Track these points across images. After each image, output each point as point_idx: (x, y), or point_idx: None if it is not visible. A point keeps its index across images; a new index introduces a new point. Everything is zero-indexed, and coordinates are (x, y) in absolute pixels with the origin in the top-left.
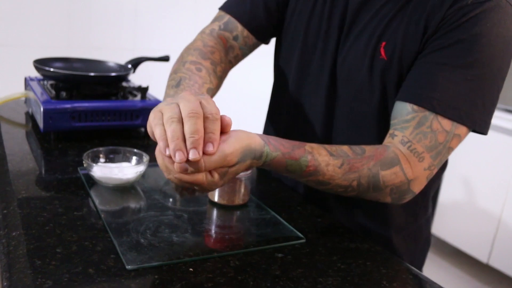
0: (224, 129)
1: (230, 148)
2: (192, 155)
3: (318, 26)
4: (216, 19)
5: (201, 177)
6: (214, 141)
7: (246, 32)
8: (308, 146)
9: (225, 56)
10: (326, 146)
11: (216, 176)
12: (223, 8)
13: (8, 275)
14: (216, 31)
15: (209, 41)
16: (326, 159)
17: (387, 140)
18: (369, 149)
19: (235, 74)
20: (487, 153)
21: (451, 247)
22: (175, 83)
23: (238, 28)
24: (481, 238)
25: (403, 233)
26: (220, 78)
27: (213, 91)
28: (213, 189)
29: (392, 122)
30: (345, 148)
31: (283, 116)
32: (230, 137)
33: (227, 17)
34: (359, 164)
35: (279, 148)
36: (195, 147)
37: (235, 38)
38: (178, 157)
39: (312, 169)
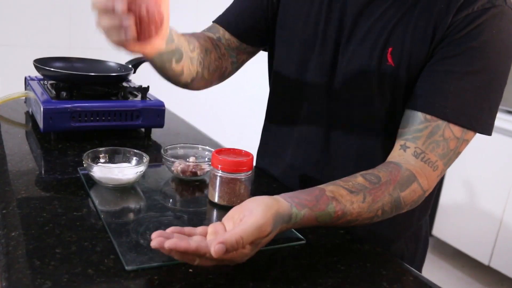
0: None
1: (263, 218)
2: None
3: (314, 32)
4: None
5: (232, 253)
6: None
7: (227, 35)
8: (328, 191)
9: (212, 45)
10: (341, 183)
11: (248, 247)
12: (213, 21)
13: (7, 276)
14: (200, 32)
15: (194, 33)
16: (348, 199)
17: (398, 152)
18: (383, 174)
19: (235, 76)
20: (488, 154)
21: (452, 248)
22: None
23: (220, 30)
24: (482, 239)
25: (405, 234)
26: (205, 49)
27: (197, 41)
28: (243, 261)
29: (401, 130)
30: (359, 180)
31: (280, 121)
32: (259, 206)
33: (212, 25)
34: (379, 193)
35: (305, 204)
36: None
37: (219, 39)
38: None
39: (340, 213)
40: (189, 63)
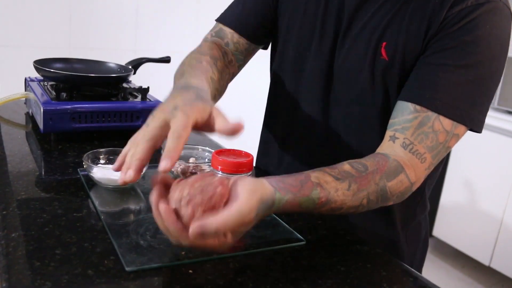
0: (233, 132)
1: (247, 205)
2: (127, 176)
3: (312, 28)
4: (210, 30)
5: (212, 241)
6: (168, 157)
7: (236, 37)
8: (313, 177)
9: (222, 56)
10: (327, 170)
11: (229, 236)
12: (217, 19)
13: (7, 276)
14: (209, 38)
15: (204, 43)
16: (334, 185)
17: (387, 143)
18: (370, 163)
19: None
20: (489, 155)
21: (452, 249)
22: (180, 76)
23: (228, 35)
24: (483, 240)
25: (404, 232)
26: (220, 73)
27: (215, 84)
28: (223, 249)
29: (392, 121)
30: (346, 167)
31: (279, 120)
32: (243, 192)
33: (218, 27)
34: (365, 181)
35: (289, 189)
36: (129, 168)
37: (227, 44)
38: (128, 175)
39: (324, 200)
40: None
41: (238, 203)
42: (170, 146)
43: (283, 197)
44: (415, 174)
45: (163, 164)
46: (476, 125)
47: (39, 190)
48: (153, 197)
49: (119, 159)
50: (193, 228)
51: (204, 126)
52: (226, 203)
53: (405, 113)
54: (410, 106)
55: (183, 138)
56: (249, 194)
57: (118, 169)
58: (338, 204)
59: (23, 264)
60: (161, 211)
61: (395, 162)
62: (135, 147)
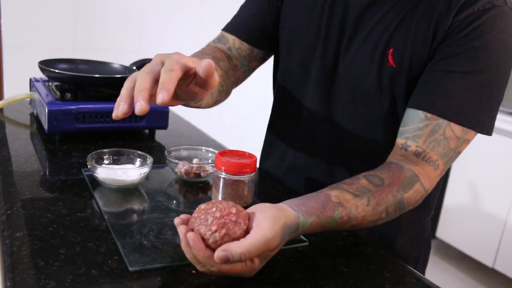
0: (207, 77)
1: (271, 232)
2: (138, 107)
3: (317, 34)
4: (213, 39)
5: (240, 266)
6: (163, 90)
7: (237, 43)
8: (333, 196)
9: (227, 59)
10: (345, 187)
11: (256, 261)
12: (222, 29)
13: (12, 276)
14: (211, 44)
15: (207, 47)
16: (353, 203)
17: (399, 151)
18: (386, 176)
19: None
20: (492, 156)
21: (456, 250)
22: None
23: (230, 40)
24: (486, 242)
25: (409, 234)
26: (225, 72)
27: (218, 80)
28: (251, 275)
29: (402, 129)
30: (363, 182)
31: (284, 123)
32: (267, 219)
33: (221, 34)
34: (383, 195)
35: (312, 212)
36: (138, 100)
37: (229, 49)
38: (121, 108)
39: (346, 218)
40: (209, 97)
41: (261, 232)
42: (163, 78)
43: (306, 220)
44: (429, 181)
45: (160, 97)
46: (486, 130)
47: (43, 190)
48: (181, 227)
49: (122, 98)
50: (218, 252)
51: (193, 79)
52: (247, 231)
53: (415, 121)
54: (420, 114)
55: (175, 71)
56: (273, 221)
57: (127, 111)
58: (359, 221)
59: (28, 264)
60: (190, 239)
61: (410, 172)
62: (135, 81)
